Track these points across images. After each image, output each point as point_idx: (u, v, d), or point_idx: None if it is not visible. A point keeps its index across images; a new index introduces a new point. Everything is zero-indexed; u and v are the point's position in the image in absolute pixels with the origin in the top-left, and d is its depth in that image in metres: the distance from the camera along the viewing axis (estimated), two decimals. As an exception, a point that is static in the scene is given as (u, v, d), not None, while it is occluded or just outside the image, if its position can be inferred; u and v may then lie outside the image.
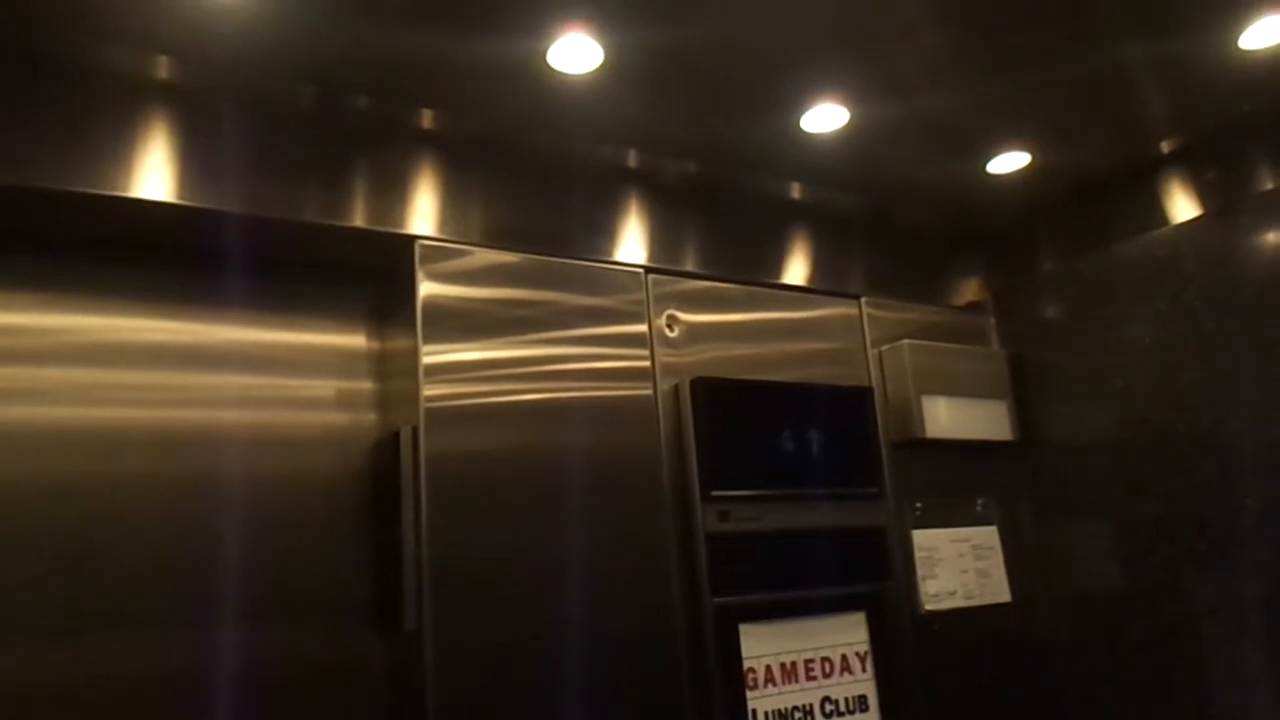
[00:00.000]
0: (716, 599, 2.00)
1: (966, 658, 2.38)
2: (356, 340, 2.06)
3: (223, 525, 1.82)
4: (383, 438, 1.95)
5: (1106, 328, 2.45)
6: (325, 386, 2.00)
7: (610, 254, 2.15)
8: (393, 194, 1.95)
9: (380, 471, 1.92)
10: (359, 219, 1.91)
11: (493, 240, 2.00)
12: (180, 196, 1.74)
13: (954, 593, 2.41)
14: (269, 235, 1.89)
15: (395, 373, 2.00)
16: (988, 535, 2.54)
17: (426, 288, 1.87)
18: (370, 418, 2.02)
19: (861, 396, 2.36)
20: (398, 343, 1.99)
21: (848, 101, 2.02)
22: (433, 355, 1.84)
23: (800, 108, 2.03)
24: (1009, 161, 2.35)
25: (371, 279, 2.06)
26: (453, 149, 2.03)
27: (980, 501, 2.55)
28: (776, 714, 2.02)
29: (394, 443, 1.85)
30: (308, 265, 2.01)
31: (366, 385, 2.04)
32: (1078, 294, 2.55)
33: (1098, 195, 2.54)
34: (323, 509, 1.92)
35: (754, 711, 1.98)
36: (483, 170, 2.06)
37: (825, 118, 2.07)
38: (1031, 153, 2.33)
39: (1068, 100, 2.12)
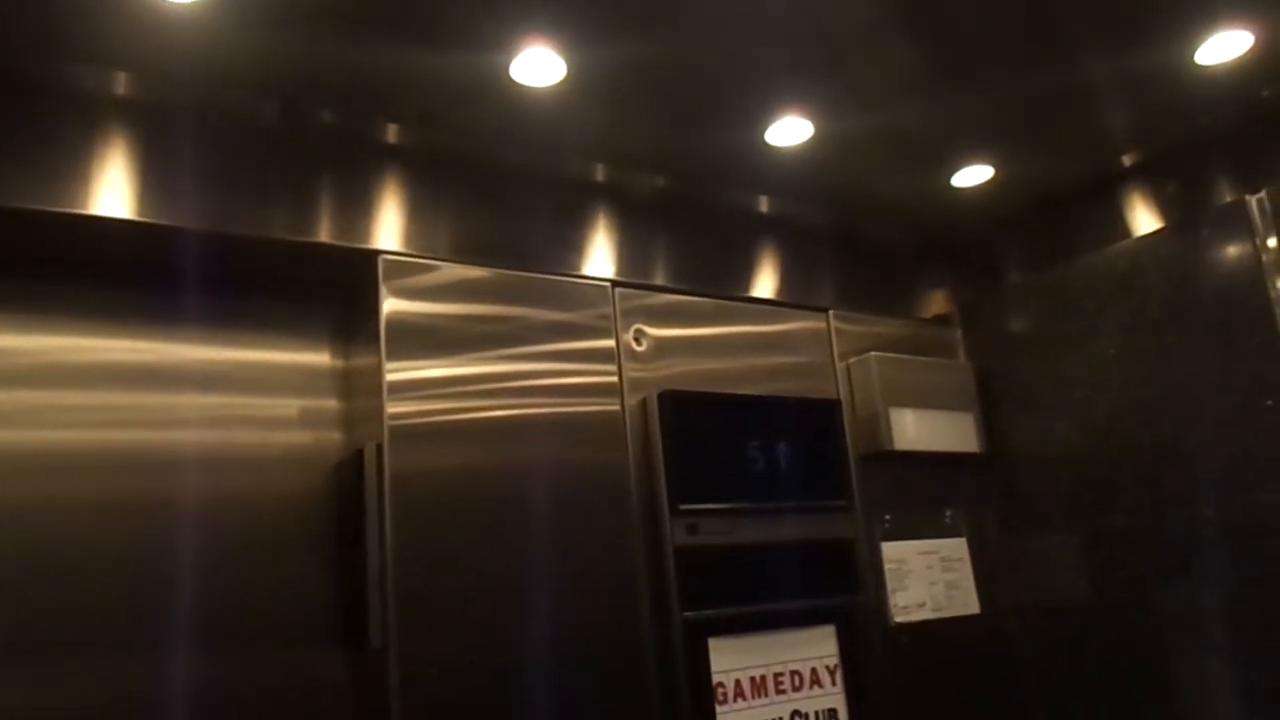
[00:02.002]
0: (686, 613, 1.99)
1: (937, 669, 2.38)
2: (320, 358, 2.04)
3: (183, 547, 1.79)
4: (346, 456, 1.93)
5: (1070, 340, 2.47)
6: (288, 405, 1.98)
7: (577, 268, 2.15)
8: (356, 209, 1.93)
9: (344, 490, 1.90)
10: (322, 234, 1.89)
11: (458, 255, 1.99)
12: (140, 213, 1.72)
13: (923, 604, 2.42)
14: (230, 251, 1.87)
15: (359, 390, 1.98)
16: (956, 547, 2.55)
17: (390, 304, 1.86)
18: (334, 436, 1.99)
19: (830, 409, 2.36)
20: (361, 360, 1.97)
21: (812, 115, 2.03)
22: (396, 372, 1.82)
23: (765, 121, 2.04)
24: (973, 175, 2.38)
25: (335, 295, 2.04)
26: (417, 163, 2.02)
27: (948, 513, 2.56)
28: (746, 729, 2.01)
29: (358, 461, 1.83)
30: (270, 282, 1.99)
31: (330, 403, 2.02)
32: (1042, 306, 2.57)
33: (1060, 208, 2.57)
34: (286, 529, 1.90)
35: (723, 727, 1.97)
36: (448, 185, 2.05)
37: (790, 131, 2.08)
38: (995, 166, 2.35)
39: (1030, 114, 2.14)
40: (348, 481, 1.88)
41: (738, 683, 2.03)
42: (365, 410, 1.92)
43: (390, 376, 1.81)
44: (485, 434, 1.90)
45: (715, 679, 1.99)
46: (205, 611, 1.77)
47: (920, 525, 2.49)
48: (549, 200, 2.18)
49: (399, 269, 1.90)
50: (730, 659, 2.03)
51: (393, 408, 1.80)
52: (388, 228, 1.95)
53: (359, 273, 1.91)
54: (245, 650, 1.80)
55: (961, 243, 2.78)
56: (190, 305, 1.92)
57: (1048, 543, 2.53)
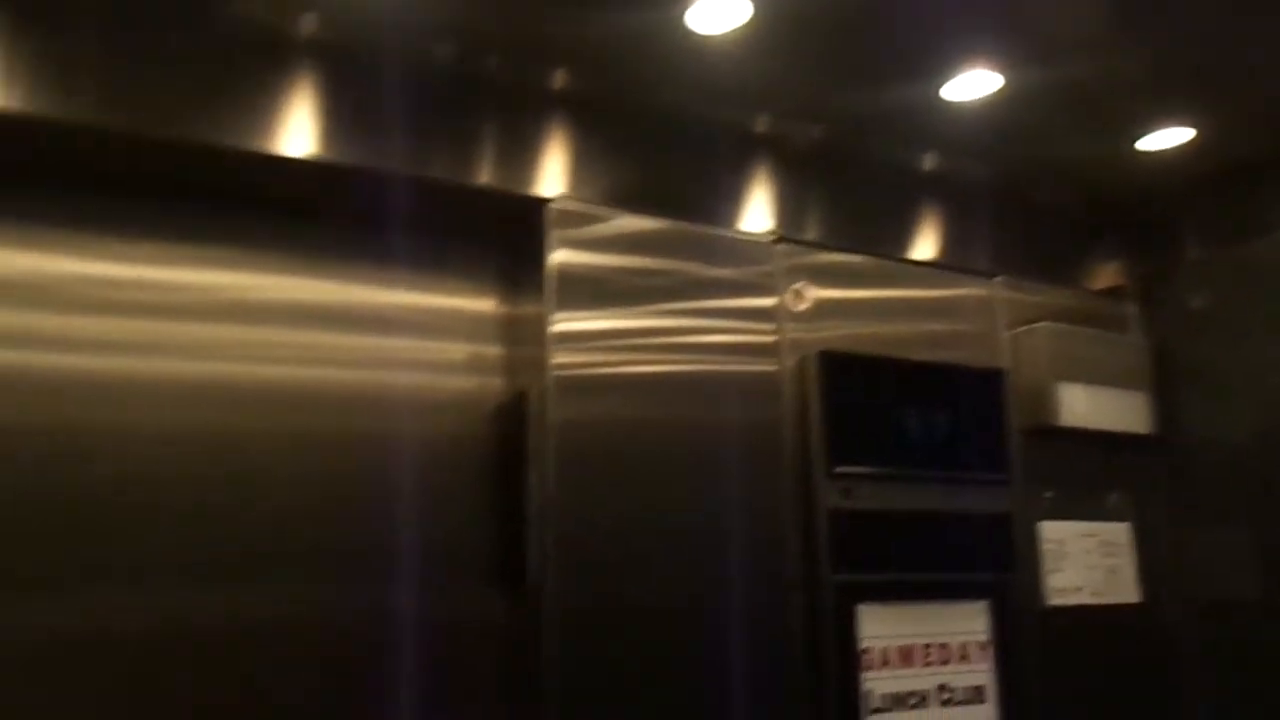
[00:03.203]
0: (836, 576, 1.96)
1: (1090, 657, 2.28)
2: (485, 304, 2.06)
3: (352, 482, 1.85)
4: (507, 399, 1.96)
5: (1264, 321, 2.30)
6: (453, 349, 2.01)
7: (740, 222, 2.11)
8: (522, 155, 1.94)
9: (505, 432, 1.94)
10: (490, 179, 1.91)
11: (622, 204, 1.98)
12: (322, 153, 1.77)
13: (1080, 588, 2.31)
14: (403, 193, 1.89)
15: (521, 338, 2.00)
16: (1118, 532, 2.42)
17: (557, 253, 1.87)
18: (495, 381, 2.02)
19: (995, 379, 2.27)
20: (525, 308, 1.99)
21: (998, 68, 1.92)
22: (561, 323, 1.83)
23: (945, 73, 1.95)
24: (1167, 138, 2.21)
25: (502, 241, 2.05)
26: (582, 111, 2.01)
27: (1113, 496, 2.44)
28: (891, 697, 1.97)
29: (520, 403, 1.86)
30: (439, 226, 2.01)
31: (493, 349, 2.04)
32: (1233, 283, 2.39)
33: (1259, 178, 2.37)
34: (446, 470, 1.93)
35: (869, 692, 1.94)
36: (611, 133, 2.04)
37: (970, 85, 1.97)
38: (1195, 128, 2.18)
39: (1238, 73, 1.97)
40: (509, 424, 1.91)
41: (885, 650, 1.99)
42: (527, 357, 1.94)
43: (555, 327, 1.83)
44: (643, 387, 1.90)
45: (863, 644, 1.96)
46: (368, 543, 1.84)
47: (1081, 506, 2.38)
48: (712, 151, 2.14)
49: (566, 218, 1.90)
50: (878, 626, 1.99)
51: (557, 358, 1.82)
52: (551, 175, 1.95)
53: (526, 220, 1.92)
54: (406, 582, 1.85)
55: (1143, 211, 2.60)
56: (363, 246, 1.96)
57: (1220, 534, 2.38)
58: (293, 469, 1.82)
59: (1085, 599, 2.31)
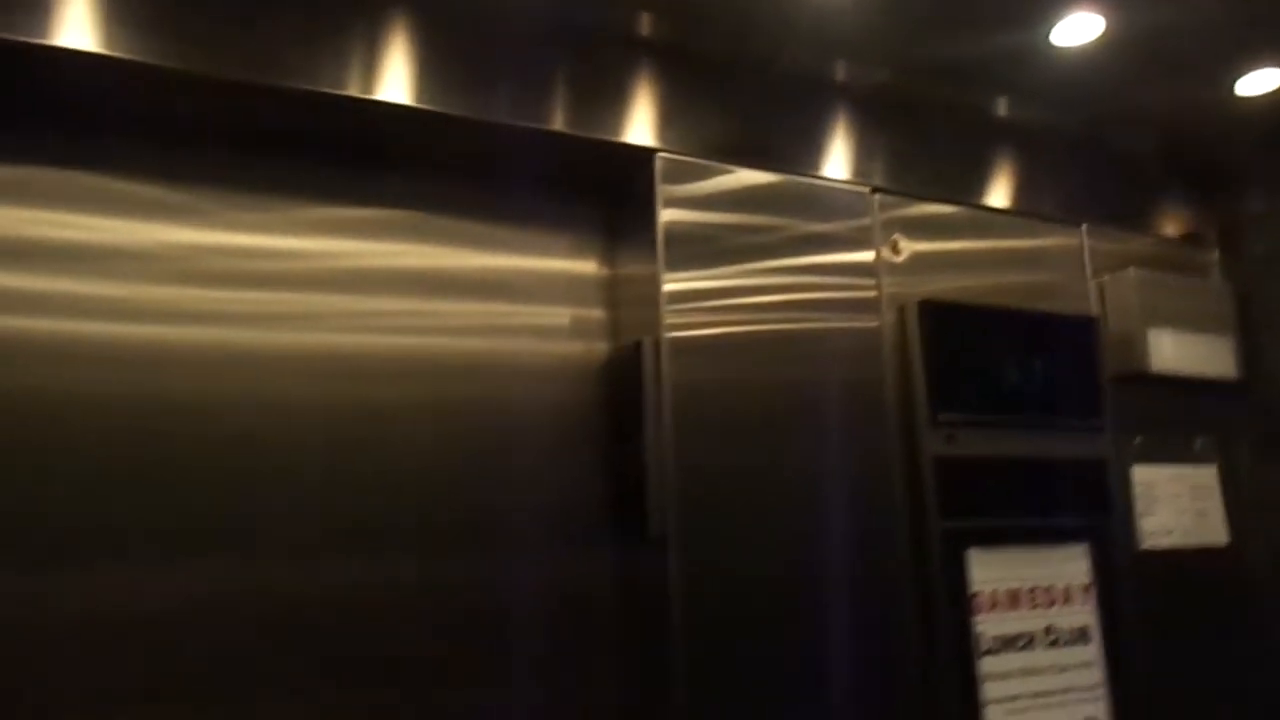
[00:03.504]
0: (945, 522, 1.98)
1: (1182, 598, 2.31)
2: (587, 264, 2.06)
3: (468, 448, 1.87)
4: (620, 352, 1.97)
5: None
6: (557, 313, 2.02)
7: (838, 172, 2.11)
8: (615, 105, 1.92)
9: (617, 386, 1.96)
10: (593, 130, 1.89)
11: (725, 156, 1.98)
12: (417, 99, 1.74)
13: (1171, 531, 2.34)
14: (500, 145, 1.90)
15: (626, 298, 2.02)
16: (1206, 475, 2.44)
17: (666, 209, 1.87)
18: (600, 346, 2.03)
19: (1088, 326, 2.28)
20: (631, 265, 2.00)
21: (1103, 9, 1.91)
22: (672, 283, 1.85)
23: (1051, 18, 1.94)
24: (1261, 81, 2.20)
25: (603, 197, 2.06)
26: (676, 61, 1.99)
27: (1199, 440, 2.45)
28: (1001, 639, 2.00)
29: (634, 357, 1.87)
30: (539, 181, 2.03)
31: (597, 312, 2.05)
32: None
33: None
34: (557, 429, 1.96)
35: (980, 634, 1.97)
36: (703, 84, 2.02)
37: (1076, 29, 1.97)
38: (1287, 69, 2.17)
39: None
40: (622, 378, 1.93)
41: (994, 594, 2.02)
42: (633, 317, 1.96)
43: (666, 287, 1.84)
44: (749, 346, 1.91)
45: (973, 588, 1.99)
46: (491, 507, 1.87)
47: (1170, 450, 2.40)
48: (810, 101, 2.14)
49: (674, 170, 1.91)
50: (986, 570, 2.02)
51: (669, 319, 1.83)
52: (640, 127, 1.94)
53: (629, 174, 1.93)
54: (530, 542, 1.89)
55: (1224, 158, 2.60)
56: (462, 202, 1.97)
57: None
58: (409, 437, 1.83)
59: (1176, 541, 2.34)
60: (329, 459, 1.75)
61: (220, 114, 1.73)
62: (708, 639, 1.75)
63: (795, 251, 2.00)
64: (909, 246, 2.14)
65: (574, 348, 2.02)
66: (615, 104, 1.93)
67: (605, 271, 2.07)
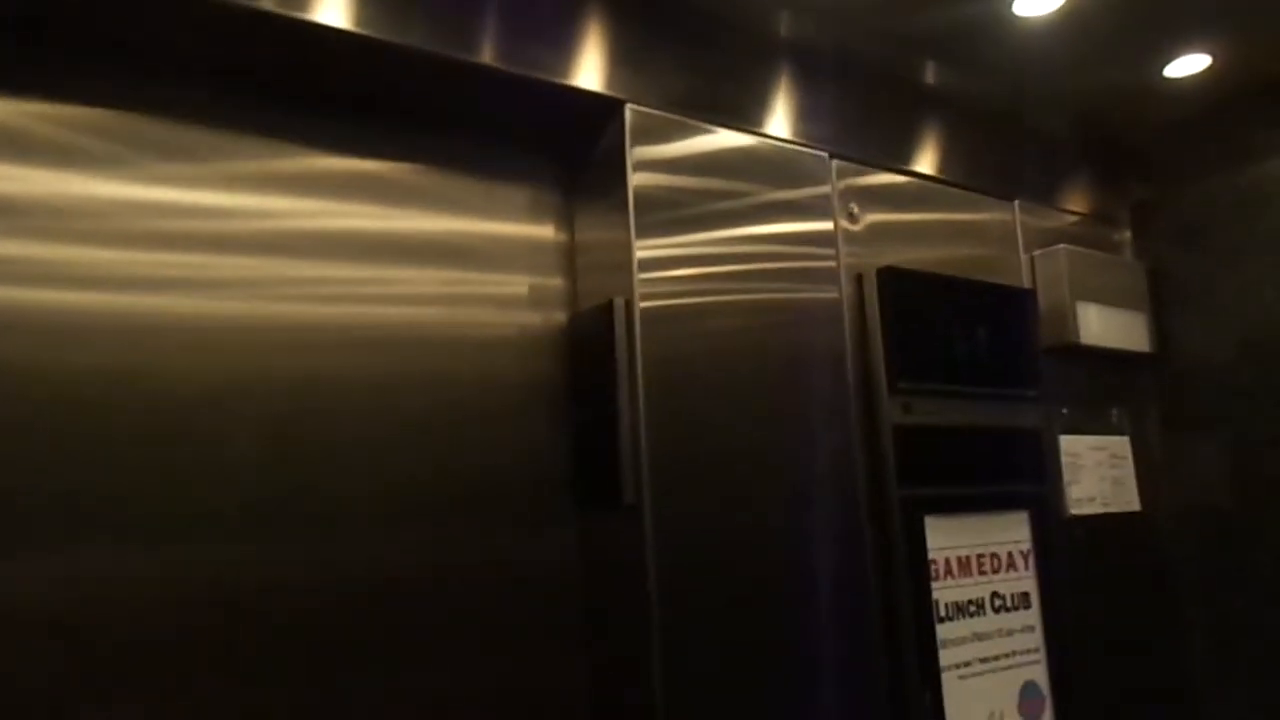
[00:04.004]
0: (903, 490, 1.98)
1: (1105, 563, 2.41)
2: (545, 230, 1.94)
3: (410, 421, 1.72)
4: (583, 315, 1.87)
5: (1251, 242, 2.45)
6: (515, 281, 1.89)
7: (797, 135, 2.07)
8: (582, 47, 1.80)
9: (582, 350, 1.86)
10: (552, 72, 1.76)
11: (691, 113, 1.90)
12: (355, 24, 1.55)
13: (1094, 499, 2.43)
14: (452, 83, 1.75)
15: (588, 267, 1.91)
16: (1121, 445, 2.55)
17: (636, 169, 1.78)
18: (558, 316, 1.92)
19: (1025, 298, 2.34)
20: (593, 233, 1.90)
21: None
22: (644, 250, 1.77)
23: (1009, -9, 1.95)
24: (1188, 64, 2.30)
25: (561, 153, 1.95)
26: (643, 6, 1.90)
27: (1114, 411, 2.56)
28: (954, 605, 2.02)
29: (602, 318, 1.78)
30: (494, 131, 1.90)
31: (555, 280, 1.93)
32: (1223, 207, 2.53)
33: (1265, 105, 2.48)
34: (512, 398, 1.84)
35: (936, 602, 1.99)
36: (661, 37, 1.92)
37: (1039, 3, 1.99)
38: (1213, 55, 2.27)
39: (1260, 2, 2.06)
40: (588, 340, 1.83)
41: (948, 561, 2.04)
42: (593, 286, 1.87)
43: (640, 253, 1.76)
44: (716, 314, 1.85)
45: (929, 555, 2.00)
46: (457, 481, 1.74)
47: (1091, 421, 2.49)
48: (772, 60, 2.08)
49: (645, 126, 1.82)
50: (941, 538, 2.03)
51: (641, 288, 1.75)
52: (605, 73, 1.82)
53: (593, 125, 1.83)
54: (500, 515, 1.78)
55: (1139, 138, 2.71)
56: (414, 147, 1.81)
57: (1206, 445, 2.54)
58: (370, 411, 1.68)
59: (1098, 509, 2.43)
60: (268, 435, 1.57)
61: (135, 37, 1.52)
62: (681, 608, 1.68)
63: (760, 219, 1.94)
64: (867, 217, 2.12)
65: (531, 318, 1.90)
66: (575, 46, 1.81)
67: (563, 237, 1.96)
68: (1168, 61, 2.29)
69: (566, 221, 1.96)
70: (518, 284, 1.89)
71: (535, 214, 1.94)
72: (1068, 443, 2.40)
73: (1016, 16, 2.04)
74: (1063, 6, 2.01)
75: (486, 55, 1.71)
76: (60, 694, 1.35)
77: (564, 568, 1.82)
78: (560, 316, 1.92)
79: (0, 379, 1.37)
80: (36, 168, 1.45)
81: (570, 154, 1.93)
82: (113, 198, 1.50)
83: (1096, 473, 2.46)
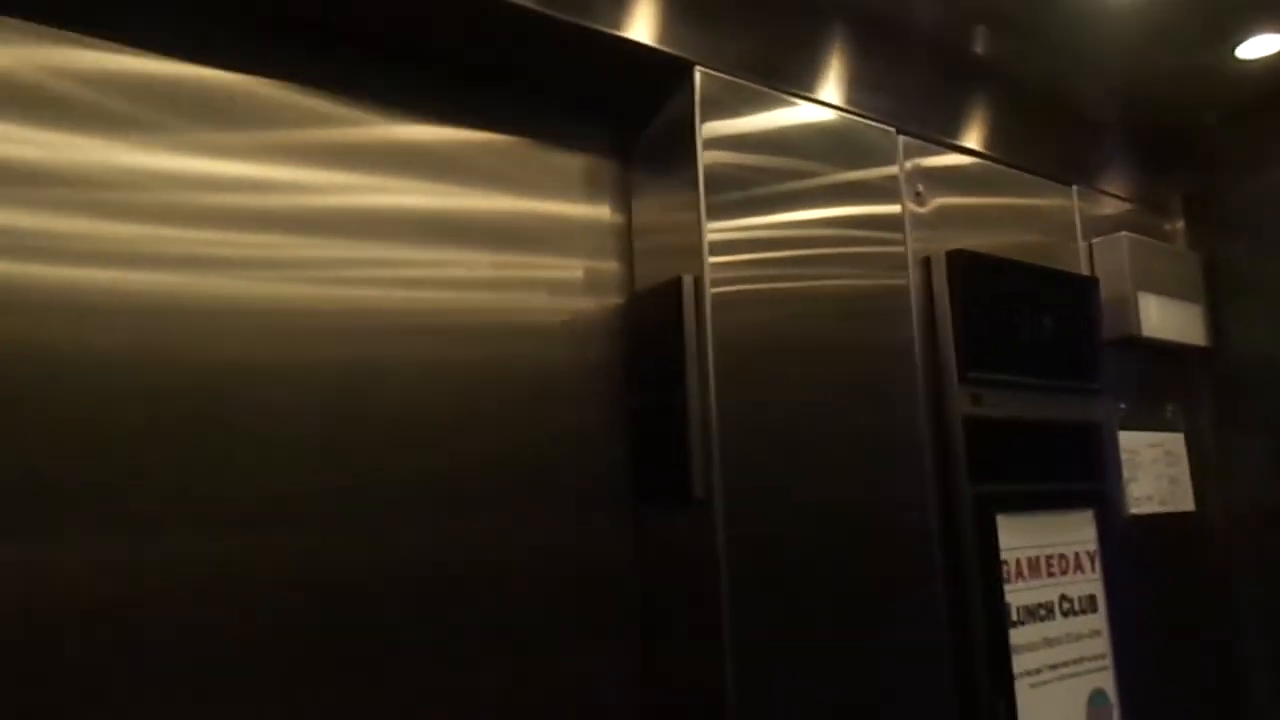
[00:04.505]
0: (975, 487, 1.87)
1: (1164, 565, 2.31)
2: (600, 210, 1.80)
3: (498, 410, 1.61)
4: (644, 295, 1.74)
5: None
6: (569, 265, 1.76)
7: (864, 108, 1.94)
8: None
9: (644, 332, 1.72)
10: (612, 25, 1.60)
11: (762, 80, 1.77)
12: None
13: (1151, 497, 2.33)
14: (493, 32, 1.59)
15: (648, 251, 1.78)
16: (1176, 442, 2.46)
17: (708, 152, 1.65)
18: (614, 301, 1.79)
19: (1090, 287, 2.23)
20: (654, 215, 1.77)
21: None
22: (714, 233, 1.64)
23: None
24: (1263, 44, 2.20)
25: (619, 115, 1.80)
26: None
27: (1170, 407, 2.46)
28: (1025, 610, 1.91)
29: (669, 298, 1.64)
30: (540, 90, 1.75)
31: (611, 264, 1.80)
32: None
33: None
34: (561, 386, 1.71)
35: (1008, 606, 1.87)
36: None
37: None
38: (1284, 35, 2.17)
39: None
40: (651, 322, 1.70)
41: (1018, 562, 1.92)
42: (653, 269, 1.74)
43: (710, 236, 1.63)
44: (784, 300, 1.72)
45: (1000, 557, 1.89)
46: (497, 471, 1.61)
47: (1148, 417, 2.39)
48: (838, 31, 1.96)
49: (715, 92, 1.69)
50: (1011, 537, 1.92)
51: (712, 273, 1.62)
52: (651, 27, 1.66)
53: (658, 90, 1.70)
54: (539, 512, 1.64)
55: (1200, 124, 2.60)
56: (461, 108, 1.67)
57: (1264, 443, 2.45)
58: (429, 401, 1.55)
59: (1155, 508, 2.33)
60: (315, 424, 1.43)
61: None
62: (750, 608, 1.56)
63: (829, 201, 1.82)
64: (929, 199, 2.01)
65: (586, 304, 1.76)
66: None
67: (619, 216, 1.82)
68: (1241, 41, 2.19)
69: (623, 198, 1.83)
70: (573, 268, 1.75)
71: (591, 189, 1.80)
72: (1126, 439, 2.30)
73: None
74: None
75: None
76: (112, 684, 1.21)
77: (617, 561, 1.68)
78: (615, 300, 1.78)
79: (41, 361, 1.23)
80: (55, 131, 1.29)
81: (628, 120, 1.80)
82: (144, 168, 1.35)
83: (1153, 470, 2.36)
